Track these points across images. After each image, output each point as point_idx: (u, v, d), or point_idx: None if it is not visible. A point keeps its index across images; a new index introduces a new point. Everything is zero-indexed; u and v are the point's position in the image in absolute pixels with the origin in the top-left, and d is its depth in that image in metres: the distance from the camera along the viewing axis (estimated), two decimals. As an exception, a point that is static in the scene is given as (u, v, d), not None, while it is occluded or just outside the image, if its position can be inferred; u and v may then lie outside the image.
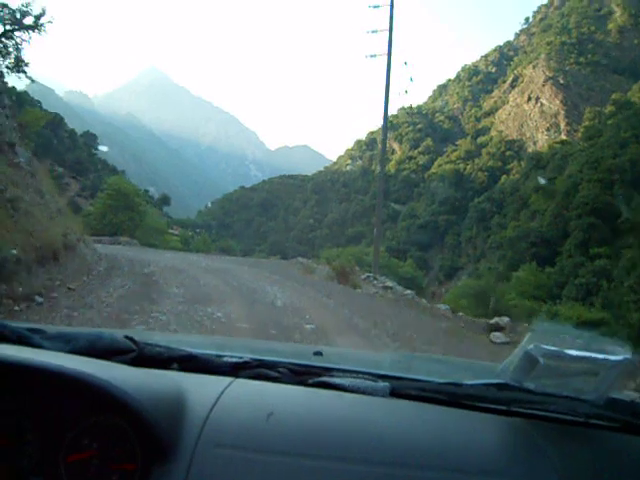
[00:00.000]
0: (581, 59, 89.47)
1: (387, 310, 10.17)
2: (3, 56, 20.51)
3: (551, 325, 1.03)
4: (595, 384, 0.90)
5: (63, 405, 0.86)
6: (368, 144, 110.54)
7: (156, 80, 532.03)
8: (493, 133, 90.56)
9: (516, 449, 0.92)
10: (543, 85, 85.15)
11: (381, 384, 1.04)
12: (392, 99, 16.88)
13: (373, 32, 20.22)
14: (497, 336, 8.52)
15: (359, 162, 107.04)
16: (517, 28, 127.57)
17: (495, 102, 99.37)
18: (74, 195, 58.43)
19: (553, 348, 0.89)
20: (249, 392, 1.00)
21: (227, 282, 10.85)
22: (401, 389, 1.04)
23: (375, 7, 20.11)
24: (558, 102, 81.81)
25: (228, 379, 1.02)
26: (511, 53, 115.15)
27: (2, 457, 0.84)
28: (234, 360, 1.11)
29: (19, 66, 20.81)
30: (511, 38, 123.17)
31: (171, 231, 36.67)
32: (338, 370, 1.13)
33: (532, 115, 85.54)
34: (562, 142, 70.96)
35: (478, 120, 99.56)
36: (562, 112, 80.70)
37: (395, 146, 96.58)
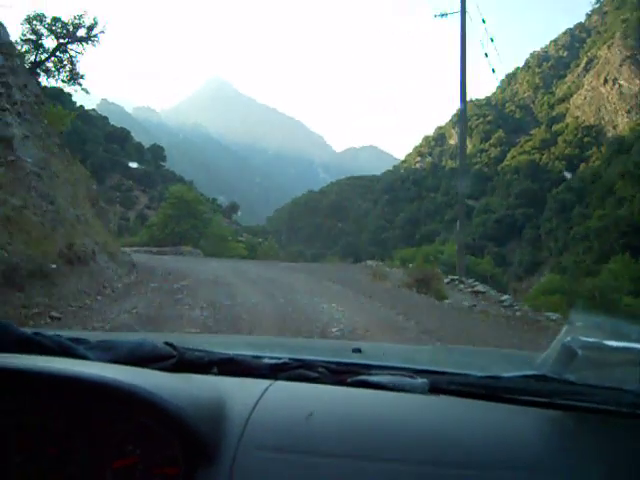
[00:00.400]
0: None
1: (505, 339, 7.51)
2: (58, 70, 20.86)
3: (590, 317, 1.02)
4: (638, 374, 0.89)
5: (106, 413, 0.89)
6: (437, 139, 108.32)
7: (220, 89, 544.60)
8: (569, 120, 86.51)
9: (561, 442, 0.90)
10: (620, 65, 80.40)
11: (419, 381, 1.04)
12: (468, 80, 16.73)
13: (442, 15, 19.63)
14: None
15: (428, 159, 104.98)
16: (587, 9, 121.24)
17: (569, 87, 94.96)
18: (143, 207, 60.17)
19: (591, 339, 0.88)
20: (288, 394, 1.01)
21: (272, 297, 9.43)
22: (440, 384, 1.04)
23: None
24: (638, 82, 77.27)
25: (267, 381, 1.03)
26: (583, 35, 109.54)
27: (53, 466, 0.87)
28: (273, 362, 1.13)
29: (74, 79, 21.19)
30: (582, 20, 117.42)
31: (240, 238, 36.57)
32: (377, 367, 1.15)
33: (610, 98, 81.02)
34: (645, 124, 66.96)
35: (551, 107, 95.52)
36: (644, 92, 76.14)
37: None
